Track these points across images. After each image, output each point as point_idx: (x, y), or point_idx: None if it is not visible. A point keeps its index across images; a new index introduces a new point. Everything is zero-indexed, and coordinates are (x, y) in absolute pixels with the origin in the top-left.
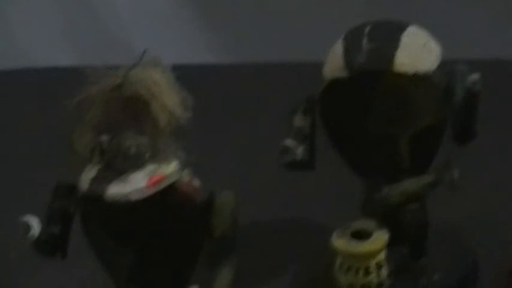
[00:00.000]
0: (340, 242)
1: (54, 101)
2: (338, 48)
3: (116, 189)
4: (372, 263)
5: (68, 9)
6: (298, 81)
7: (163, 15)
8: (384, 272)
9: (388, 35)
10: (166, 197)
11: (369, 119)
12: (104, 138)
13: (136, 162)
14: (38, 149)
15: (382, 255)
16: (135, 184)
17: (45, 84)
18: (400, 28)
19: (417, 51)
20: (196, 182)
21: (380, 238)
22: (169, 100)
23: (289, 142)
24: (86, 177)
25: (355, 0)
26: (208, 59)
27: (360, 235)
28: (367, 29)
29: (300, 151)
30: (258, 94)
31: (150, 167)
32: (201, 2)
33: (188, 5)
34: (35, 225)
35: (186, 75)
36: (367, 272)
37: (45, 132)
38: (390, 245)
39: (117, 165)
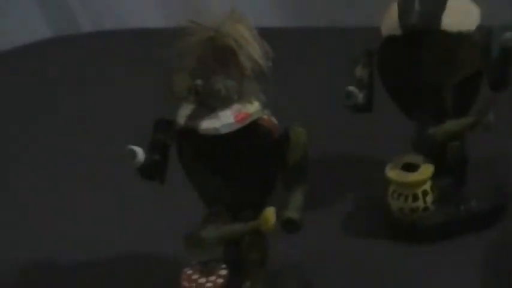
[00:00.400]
0: (392, 173)
1: (149, 57)
2: (393, 10)
3: (208, 124)
4: (419, 191)
5: None
6: (357, 43)
7: None
8: (429, 199)
9: (436, 0)
10: (250, 131)
11: (418, 71)
12: (199, 82)
13: (225, 102)
14: (137, 96)
15: (428, 185)
16: (224, 120)
17: (139, 43)
18: None
19: (460, 14)
20: (274, 120)
21: (426, 170)
22: (253, 51)
23: (352, 89)
24: (182, 114)
25: None
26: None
27: (410, 167)
28: None
29: (360, 96)
30: (323, 54)
31: (236, 106)
32: None
33: None
34: (140, 153)
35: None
36: (414, 199)
37: (145, 83)
38: (435, 176)
39: (209, 104)
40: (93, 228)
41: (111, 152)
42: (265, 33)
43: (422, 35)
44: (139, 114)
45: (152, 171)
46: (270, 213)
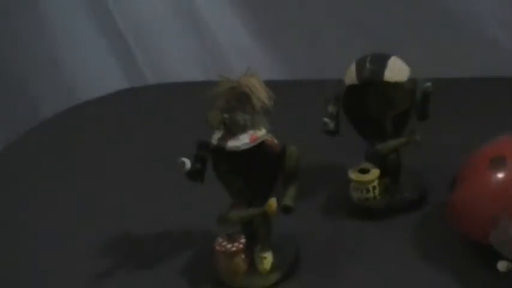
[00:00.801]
0: (353, 175)
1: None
2: (352, 67)
3: (232, 143)
4: (370, 186)
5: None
6: (328, 91)
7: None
8: (377, 191)
9: (380, 60)
10: (259, 148)
11: (369, 108)
12: (226, 116)
13: (243, 129)
14: (193, 132)
15: (375, 182)
16: (243, 141)
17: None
18: (387, 57)
19: (396, 70)
20: (275, 140)
21: (374, 173)
22: (261, 94)
23: (326, 120)
24: (215, 137)
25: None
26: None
27: (364, 171)
28: (368, 57)
29: (331, 125)
30: (306, 99)
31: (250, 131)
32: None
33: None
34: (187, 163)
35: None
36: (367, 191)
37: (192, 125)
38: (380, 177)
39: (233, 130)
40: (153, 204)
41: (173, 162)
42: (270, 84)
43: (371, 85)
44: (192, 139)
45: (195, 175)
46: (273, 202)
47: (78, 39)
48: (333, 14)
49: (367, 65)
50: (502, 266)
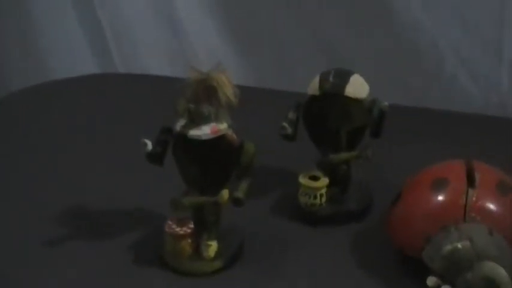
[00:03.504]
0: (303, 180)
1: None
2: (316, 79)
3: (194, 133)
4: (318, 193)
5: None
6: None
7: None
8: (324, 199)
9: (344, 75)
10: (219, 141)
11: (327, 119)
12: (192, 106)
13: (206, 121)
14: (153, 123)
15: (323, 190)
16: (204, 131)
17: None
18: (350, 73)
19: (357, 87)
20: (235, 135)
21: (323, 181)
22: (227, 90)
23: (285, 124)
24: (179, 125)
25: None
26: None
27: (314, 178)
28: (332, 71)
29: (290, 130)
30: (270, 104)
31: (212, 124)
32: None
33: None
34: (149, 144)
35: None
36: (315, 198)
37: (155, 116)
38: (329, 185)
39: (196, 121)
40: (109, 182)
41: (132, 144)
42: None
43: (332, 97)
44: (156, 125)
45: (155, 158)
46: (225, 192)
47: (54, 20)
48: (302, 29)
49: (331, 78)
50: (430, 281)
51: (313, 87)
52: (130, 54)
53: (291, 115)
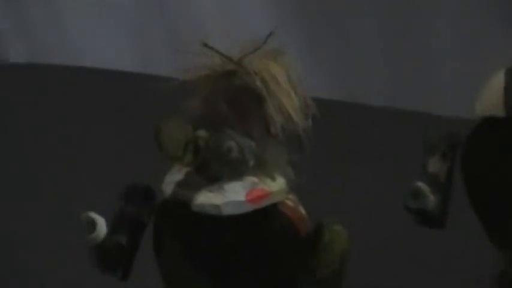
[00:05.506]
0: None
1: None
2: (497, 83)
3: (206, 198)
4: None
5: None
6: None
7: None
8: None
9: None
10: (266, 219)
11: None
12: (202, 133)
13: (236, 169)
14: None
15: None
16: (231, 196)
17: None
18: None
19: None
20: (302, 209)
21: None
22: (288, 101)
23: (421, 185)
24: (171, 180)
25: None
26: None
27: None
28: None
29: (431, 199)
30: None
31: (251, 179)
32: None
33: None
34: (101, 225)
35: None
36: None
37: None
38: None
39: (212, 169)
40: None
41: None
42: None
43: None
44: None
45: (112, 257)
46: None
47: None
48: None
49: None
50: None
51: (489, 99)
52: (91, 48)
53: (435, 165)
